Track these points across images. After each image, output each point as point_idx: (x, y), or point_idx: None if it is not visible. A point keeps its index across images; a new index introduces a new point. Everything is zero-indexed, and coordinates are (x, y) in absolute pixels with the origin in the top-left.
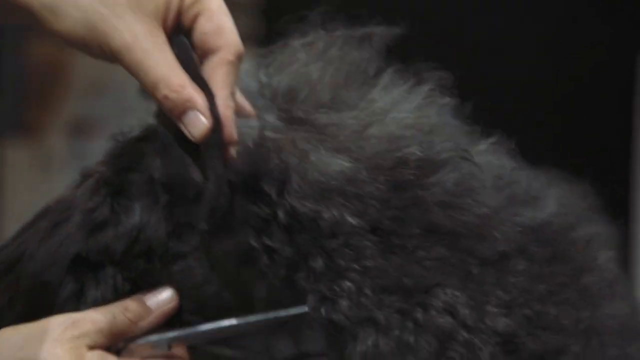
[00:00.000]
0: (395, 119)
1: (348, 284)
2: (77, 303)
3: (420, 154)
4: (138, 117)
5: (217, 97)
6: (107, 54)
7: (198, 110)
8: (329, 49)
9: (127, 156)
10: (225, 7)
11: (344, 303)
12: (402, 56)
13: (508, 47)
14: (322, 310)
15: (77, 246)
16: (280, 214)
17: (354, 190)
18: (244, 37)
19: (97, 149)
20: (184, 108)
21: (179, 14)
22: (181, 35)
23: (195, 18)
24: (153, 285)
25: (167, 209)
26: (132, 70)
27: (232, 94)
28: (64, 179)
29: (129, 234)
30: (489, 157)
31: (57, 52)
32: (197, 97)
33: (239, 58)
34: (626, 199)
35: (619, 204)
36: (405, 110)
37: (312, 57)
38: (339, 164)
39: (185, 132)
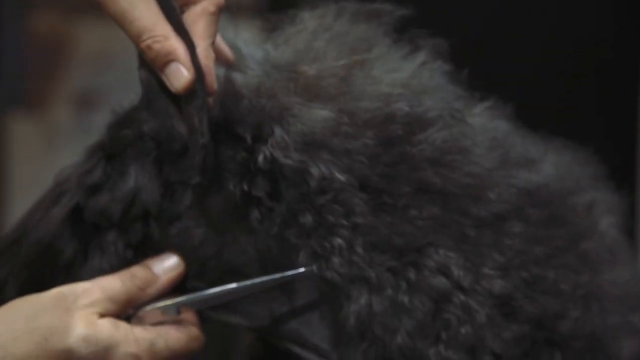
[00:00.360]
0: (386, 78)
1: (339, 240)
2: (81, 268)
3: (409, 109)
4: (136, 94)
5: (198, 48)
6: (94, 2)
7: (180, 62)
8: (337, 22)
9: (122, 124)
10: None
11: (335, 260)
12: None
13: (511, 44)
14: (315, 268)
15: (74, 208)
16: (260, 160)
17: (342, 144)
18: (250, 4)
19: (102, 121)
20: (167, 59)
21: None
22: None
23: None
24: (153, 250)
25: (156, 166)
26: (117, 19)
27: (212, 45)
28: (69, 151)
29: (125, 198)
30: (483, 120)
31: (60, 24)
32: (180, 48)
33: (219, 9)
34: (632, 168)
35: (624, 173)
36: (397, 71)
37: (320, 30)
38: (322, 114)
39: (168, 83)
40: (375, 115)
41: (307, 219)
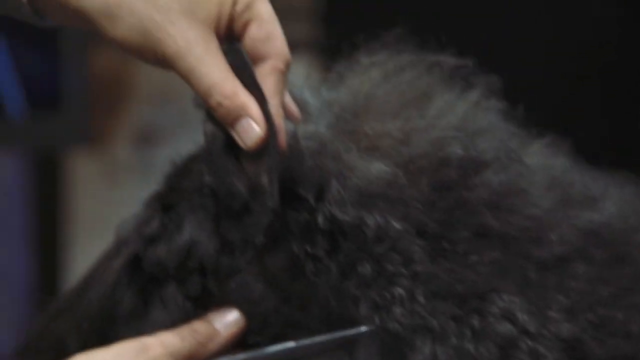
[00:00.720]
0: (440, 122)
1: (399, 290)
2: (141, 320)
3: (463, 152)
4: (196, 130)
5: (270, 105)
6: (161, 60)
7: (251, 117)
8: (397, 71)
9: (180, 175)
10: (275, 15)
11: (397, 310)
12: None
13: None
14: (376, 319)
15: (133, 258)
16: (320, 220)
17: (397, 194)
18: (303, 43)
19: (163, 157)
20: (237, 115)
21: (231, 20)
22: (236, 42)
23: (246, 25)
24: (213, 303)
25: (214, 221)
26: (185, 77)
27: (282, 102)
28: (130, 188)
29: (180, 250)
30: (540, 158)
31: (121, 62)
32: (251, 104)
33: (288, 66)
34: None
35: None
36: (450, 115)
37: (379, 78)
38: (378, 167)
39: (238, 140)
40: (429, 160)
41: (366, 269)
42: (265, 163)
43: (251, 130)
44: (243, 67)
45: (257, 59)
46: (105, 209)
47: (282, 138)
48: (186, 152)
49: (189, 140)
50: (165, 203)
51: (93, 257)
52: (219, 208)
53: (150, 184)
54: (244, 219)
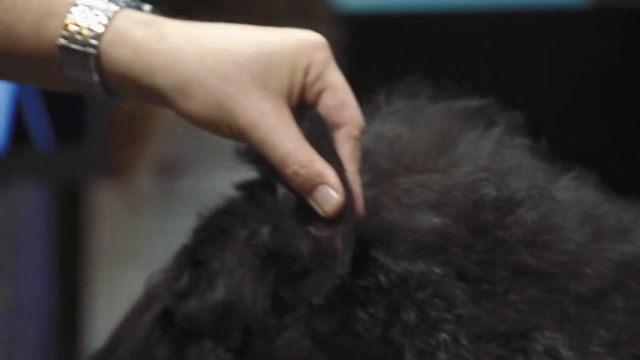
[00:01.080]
0: (470, 164)
1: (443, 335)
2: None
3: (497, 193)
4: (217, 162)
5: (346, 172)
6: (236, 132)
7: (329, 185)
8: (418, 116)
9: (208, 229)
10: (346, 83)
11: (442, 356)
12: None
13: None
14: None
15: (164, 311)
16: (382, 278)
17: (436, 241)
18: None
19: (185, 189)
20: (315, 184)
21: (303, 90)
22: (314, 109)
23: (319, 94)
24: (256, 357)
25: (271, 283)
26: (260, 148)
27: (358, 169)
28: (151, 219)
29: (214, 309)
30: (571, 193)
31: None
32: (328, 172)
33: (363, 133)
34: None
35: None
36: (479, 156)
37: (405, 124)
38: (428, 220)
39: (315, 207)
40: (465, 204)
41: (410, 316)
42: (342, 229)
43: (330, 197)
44: (321, 134)
45: (332, 126)
46: (126, 239)
47: (360, 205)
48: (211, 197)
49: (210, 171)
50: (195, 258)
51: (114, 288)
52: (274, 268)
53: (171, 215)
54: (304, 280)
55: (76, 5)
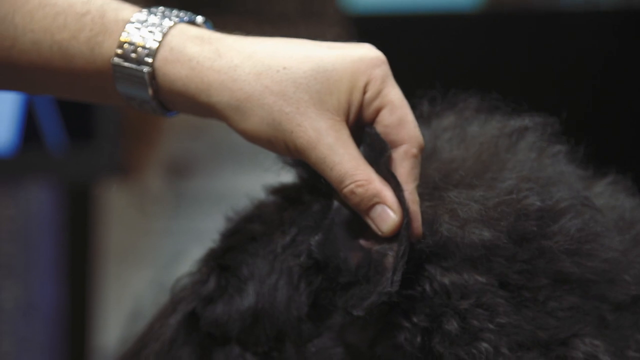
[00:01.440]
0: (512, 174)
1: (485, 345)
2: None
3: (540, 204)
4: (227, 163)
5: (404, 192)
6: (292, 151)
7: (386, 205)
8: (474, 136)
9: (238, 236)
10: (405, 100)
11: None
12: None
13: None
14: None
15: (190, 314)
16: (427, 288)
17: (480, 251)
18: None
19: (195, 189)
20: (372, 203)
21: (361, 107)
22: (372, 127)
23: (377, 111)
24: None
25: (312, 291)
26: (318, 166)
27: (417, 187)
28: (161, 219)
29: (243, 314)
30: (608, 199)
31: None
32: (386, 191)
33: (421, 151)
34: None
35: None
36: (522, 168)
37: (457, 142)
38: (480, 234)
39: (373, 226)
40: (509, 214)
41: (452, 325)
42: (395, 248)
43: (387, 217)
44: (379, 153)
45: (391, 144)
46: (136, 239)
47: (418, 224)
48: (220, 198)
49: (220, 172)
50: (223, 263)
51: (123, 287)
52: (317, 276)
53: (180, 215)
54: (347, 290)
55: (131, 22)
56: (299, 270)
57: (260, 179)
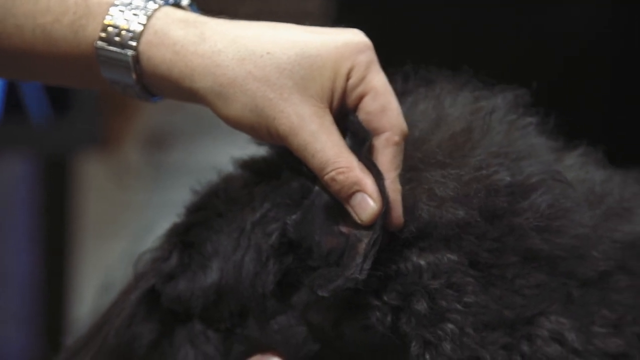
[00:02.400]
0: (481, 149)
1: (450, 326)
2: (165, 357)
3: (510, 179)
4: (206, 135)
5: (385, 180)
6: (275, 137)
7: (366, 193)
8: (446, 112)
9: (203, 212)
10: (391, 87)
11: (447, 346)
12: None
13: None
14: (427, 356)
15: (150, 291)
16: (402, 267)
17: (452, 230)
18: None
19: (173, 161)
20: (352, 191)
21: (344, 94)
22: (354, 115)
23: (360, 98)
24: (249, 342)
25: (280, 269)
26: (300, 153)
27: (399, 177)
28: (139, 191)
29: (206, 291)
30: (578, 172)
31: None
32: (366, 179)
33: (404, 139)
34: None
35: None
36: (492, 143)
37: (428, 118)
38: (455, 212)
39: (353, 214)
40: (479, 190)
41: (422, 305)
42: (370, 235)
43: (366, 205)
44: (361, 141)
45: (373, 132)
46: (114, 211)
47: (398, 214)
48: (198, 170)
49: (198, 144)
50: (186, 240)
51: (100, 259)
52: (287, 256)
53: (159, 187)
54: (315, 270)
55: (114, 5)
56: (268, 249)
57: (240, 151)
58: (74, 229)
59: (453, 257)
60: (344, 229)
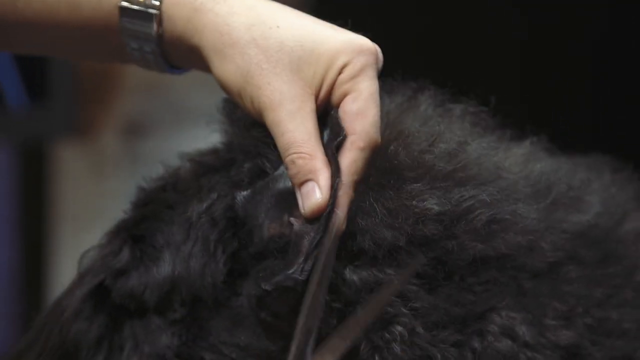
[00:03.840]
0: (416, 184)
1: (399, 328)
2: (115, 352)
3: (439, 208)
4: (183, 122)
5: (340, 182)
6: (256, 108)
7: (318, 184)
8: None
9: (152, 206)
10: (377, 97)
11: (396, 347)
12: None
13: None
14: (376, 358)
15: (98, 286)
16: (339, 283)
17: (391, 252)
18: None
19: (151, 149)
20: (306, 178)
21: (332, 87)
22: (335, 110)
23: (343, 95)
24: (202, 331)
25: (227, 259)
26: (272, 128)
27: (355, 183)
28: (117, 179)
29: (160, 283)
30: (523, 165)
31: None
32: (323, 171)
33: (371, 148)
34: None
35: None
36: (431, 163)
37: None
38: (384, 236)
39: (300, 202)
40: (407, 218)
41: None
42: (313, 234)
43: (313, 196)
44: (333, 137)
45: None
46: (91, 200)
47: (341, 220)
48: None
49: (176, 132)
50: (135, 233)
51: (78, 248)
52: (232, 244)
53: (137, 176)
54: (258, 262)
55: None
56: (215, 235)
57: (216, 139)
58: (51, 217)
59: (390, 270)
60: (291, 220)
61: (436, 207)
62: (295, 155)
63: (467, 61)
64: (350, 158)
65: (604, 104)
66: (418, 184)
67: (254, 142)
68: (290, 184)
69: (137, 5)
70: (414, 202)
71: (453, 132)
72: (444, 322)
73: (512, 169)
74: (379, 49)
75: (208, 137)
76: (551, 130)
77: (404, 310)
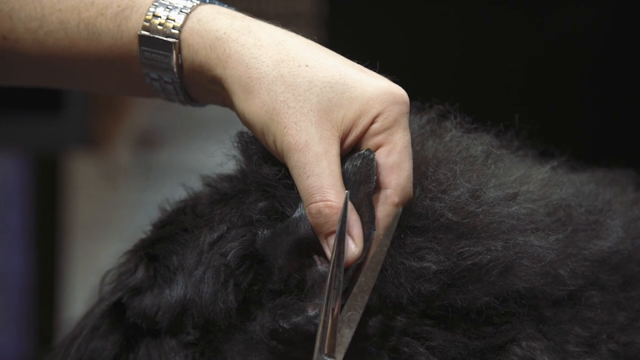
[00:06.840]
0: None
1: None
2: None
3: (436, 267)
4: (194, 134)
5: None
6: (278, 148)
7: (351, 236)
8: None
9: (170, 227)
10: (410, 149)
11: None
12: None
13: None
14: None
15: (115, 304)
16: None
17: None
18: None
19: (163, 161)
20: (334, 230)
21: (363, 134)
22: (372, 152)
23: (377, 147)
24: (216, 353)
25: (240, 290)
26: (295, 169)
27: (388, 239)
28: (128, 190)
29: (172, 306)
30: (546, 191)
31: None
32: (354, 221)
33: (404, 204)
34: None
35: None
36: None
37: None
38: (388, 294)
39: (327, 250)
40: (407, 276)
41: (384, 358)
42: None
43: (348, 249)
44: (363, 180)
45: (378, 185)
46: (103, 210)
47: (374, 275)
48: (187, 171)
49: (188, 144)
50: (152, 253)
51: (91, 259)
52: (249, 275)
53: (149, 187)
54: (277, 298)
55: (157, 2)
56: (225, 269)
57: (229, 152)
58: (64, 228)
59: (401, 317)
60: (315, 257)
61: (434, 266)
62: (321, 204)
63: (492, 80)
64: (383, 212)
65: (630, 120)
66: (420, 238)
67: (268, 181)
68: (310, 229)
69: (156, 33)
70: (413, 263)
71: (472, 172)
72: (463, 355)
73: (530, 197)
74: (407, 97)
75: (219, 149)
76: (575, 146)
77: (421, 350)
